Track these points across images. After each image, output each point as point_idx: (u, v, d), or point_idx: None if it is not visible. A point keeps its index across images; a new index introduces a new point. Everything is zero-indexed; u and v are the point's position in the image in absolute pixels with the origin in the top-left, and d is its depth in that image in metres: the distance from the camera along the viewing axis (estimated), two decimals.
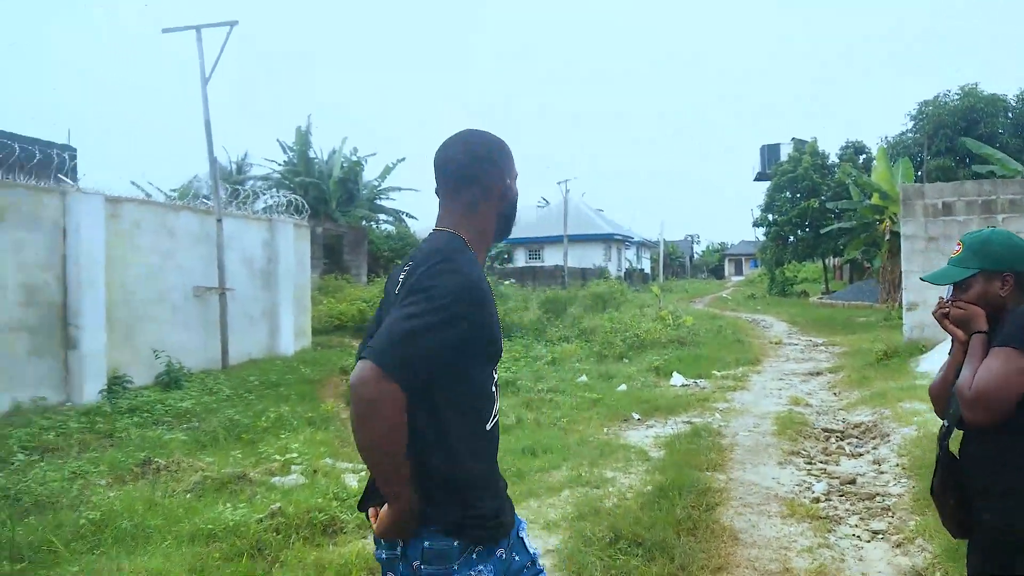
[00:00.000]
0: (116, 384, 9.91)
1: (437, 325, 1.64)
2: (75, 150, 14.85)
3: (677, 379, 10.98)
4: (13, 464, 6.36)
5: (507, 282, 22.89)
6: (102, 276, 10.03)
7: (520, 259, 44.97)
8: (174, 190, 31.86)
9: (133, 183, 30.07)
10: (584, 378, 10.89)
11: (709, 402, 9.30)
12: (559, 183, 36.14)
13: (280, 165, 37.16)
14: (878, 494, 5.46)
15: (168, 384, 10.29)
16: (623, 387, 10.20)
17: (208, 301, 12.25)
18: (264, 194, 27.06)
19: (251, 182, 37.07)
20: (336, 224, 31.38)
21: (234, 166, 39.03)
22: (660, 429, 7.89)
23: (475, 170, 1.89)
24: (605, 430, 7.88)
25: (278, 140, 37.23)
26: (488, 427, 1.84)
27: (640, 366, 12.10)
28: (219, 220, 12.37)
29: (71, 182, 10.21)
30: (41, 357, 9.38)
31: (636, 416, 8.51)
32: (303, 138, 35.68)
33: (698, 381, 10.98)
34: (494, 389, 1.89)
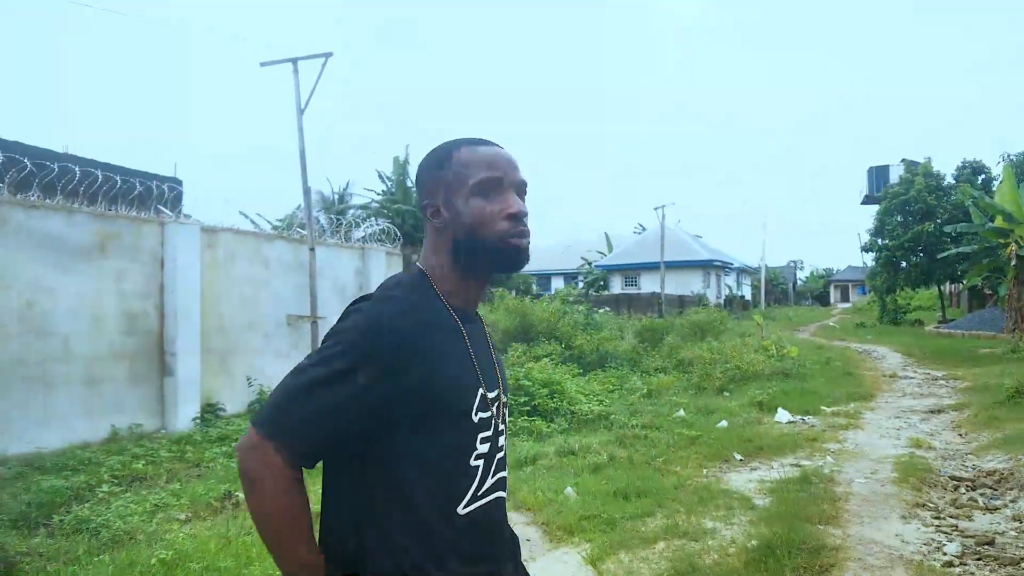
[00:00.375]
0: (209, 411, 9.98)
1: (331, 378, 1.31)
2: (180, 182, 15.32)
3: (782, 415, 10.27)
4: (98, 495, 6.35)
5: (601, 310, 22.38)
6: (197, 305, 10.18)
7: (616, 286, 44.28)
8: (280, 220, 32.93)
9: (242, 213, 31.21)
10: (681, 413, 10.32)
11: (819, 442, 8.60)
12: (656, 209, 35.40)
13: (379, 194, 37.91)
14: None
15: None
16: (724, 423, 9.59)
17: (300, 329, 12.31)
18: (363, 223, 27.55)
19: (352, 211, 38.01)
20: None
21: (336, 196, 40.12)
22: (765, 472, 7.28)
23: (419, 188, 1.55)
24: (704, 471, 7.34)
25: (377, 170, 37.97)
26: (463, 511, 1.40)
27: (742, 400, 11.42)
28: (312, 249, 12.45)
29: (169, 213, 10.44)
30: (139, 384, 9.53)
31: (738, 457, 7.92)
32: (401, 168, 36.29)
33: (806, 418, 10.24)
34: (477, 461, 1.44)
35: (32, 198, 8.73)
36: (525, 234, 1.50)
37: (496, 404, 1.52)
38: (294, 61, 12.84)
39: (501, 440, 1.53)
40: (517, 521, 5.87)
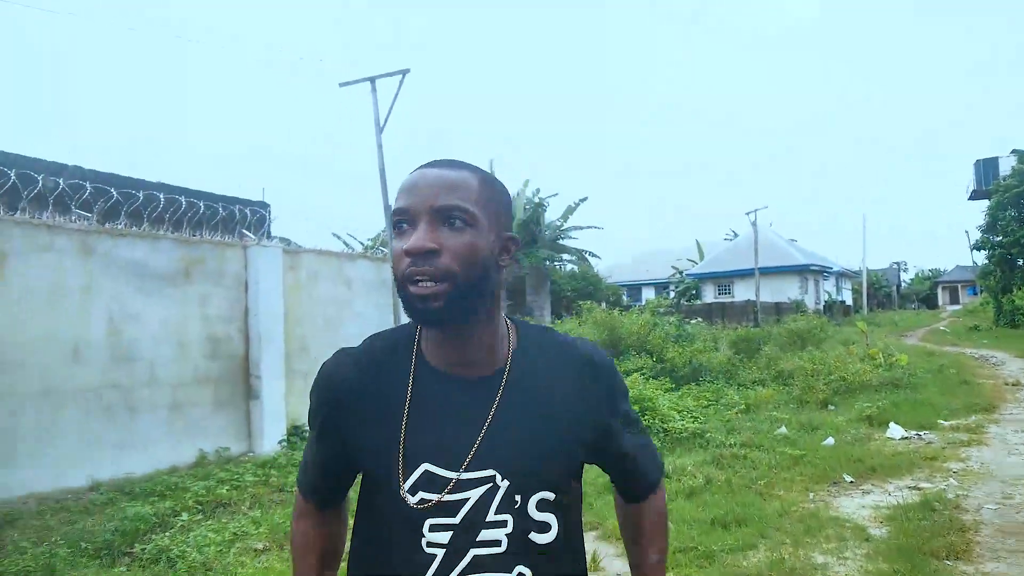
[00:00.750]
0: (295, 434, 9.93)
1: (310, 430, 1.42)
2: (267, 206, 15.55)
3: (895, 431, 9.50)
4: (179, 523, 6.26)
5: (693, 320, 21.66)
6: (281, 327, 10.17)
7: (708, 295, 43.10)
8: (370, 239, 33.39)
9: (334, 235, 31.85)
10: (783, 429, 9.66)
11: (938, 461, 7.85)
12: (747, 213, 34.27)
13: None
14: None
15: None
16: (830, 441, 8.91)
17: None
18: None
19: None
20: (519, 265, 31.52)
21: None
22: (880, 497, 6.64)
23: None
24: (811, 496, 6.74)
25: None
26: None
27: (849, 415, 10.66)
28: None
29: (252, 236, 10.49)
30: (225, 408, 9.55)
31: (848, 478, 7.28)
32: None
33: (922, 433, 9.43)
34: (432, 549, 1.22)
35: (119, 226, 8.87)
36: (423, 276, 1.17)
37: (475, 487, 1.23)
38: (372, 80, 12.86)
39: (489, 533, 1.22)
40: (605, 552, 5.47)
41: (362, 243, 32.25)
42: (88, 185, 8.92)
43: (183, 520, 6.28)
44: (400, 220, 1.21)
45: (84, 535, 5.97)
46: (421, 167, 1.26)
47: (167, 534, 6.01)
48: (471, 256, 1.18)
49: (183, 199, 9.80)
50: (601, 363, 1.38)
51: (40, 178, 8.37)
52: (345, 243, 31.40)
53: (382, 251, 13.43)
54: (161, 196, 9.51)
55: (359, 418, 1.29)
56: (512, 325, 1.39)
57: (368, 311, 12.05)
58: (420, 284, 1.16)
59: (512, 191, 35.33)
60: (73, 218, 8.66)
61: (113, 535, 5.92)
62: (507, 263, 1.29)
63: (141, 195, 9.31)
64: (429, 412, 1.26)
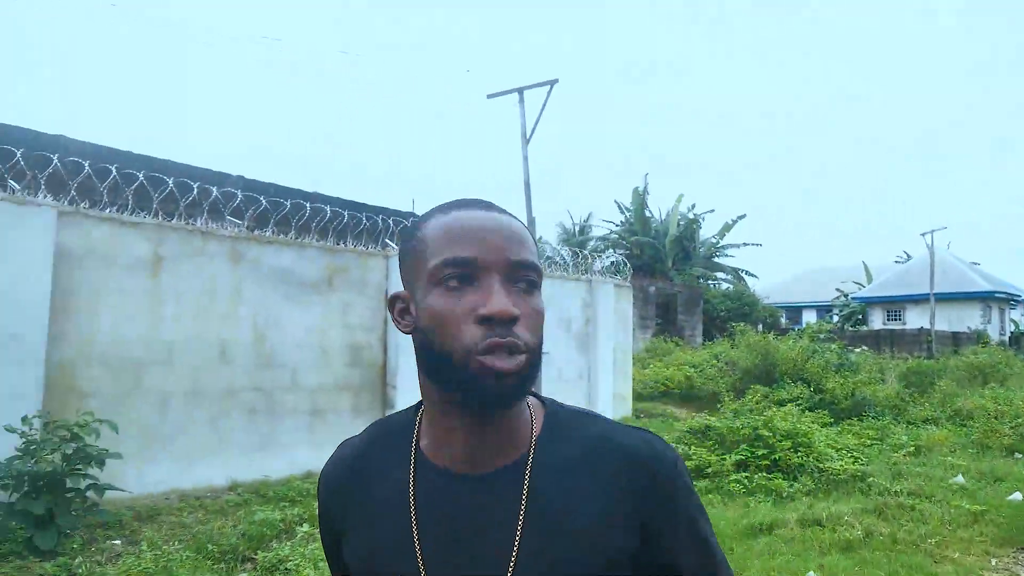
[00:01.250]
0: None
1: None
2: (415, 216, 15.80)
3: None
4: (301, 533, 6.20)
5: (858, 349, 20.10)
6: None
7: (876, 320, 40.26)
8: None
9: None
10: (960, 478, 8.55)
11: None
12: (923, 234, 31.64)
13: (617, 225, 37.59)
14: None
15: None
16: (1017, 496, 7.78)
17: None
18: (601, 255, 27.23)
19: (592, 242, 38.01)
20: (671, 283, 30.64)
21: (577, 227, 40.41)
22: None
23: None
24: (993, 562, 5.83)
25: (615, 201, 37.71)
26: None
27: None
28: None
29: (394, 246, 10.53)
30: (362, 416, 9.58)
31: None
32: (639, 198, 35.71)
33: None
34: None
35: (267, 233, 9.10)
36: (510, 349, 0.93)
37: None
38: (520, 91, 12.71)
39: None
40: None
41: None
42: (239, 193, 9.21)
43: (305, 530, 6.22)
44: (456, 273, 0.96)
45: (212, 537, 6.03)
46: (464, 206, 1.02)
47: (289, 543, 5.96)
48: (541, 326, 1.00)
49: (328, 208, 9.96)
50: (655, 459, 1.05)
51: (195, 185, 8.71)
52: None
53: None
54: (307, 205, 9.71)
55: (359, 522, 1.08)
56: (538, 403, 1.11)
57: None
58: (503, 360, 0.92)
59: (665, 207, 34.52)
60: (225, 225, 8.96)
61: (239, 539, 5.94)
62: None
63: (288, 203, 9.53)
64: (441, 529, 1.02)
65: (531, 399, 1.09)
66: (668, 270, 33.75)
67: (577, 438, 1.06)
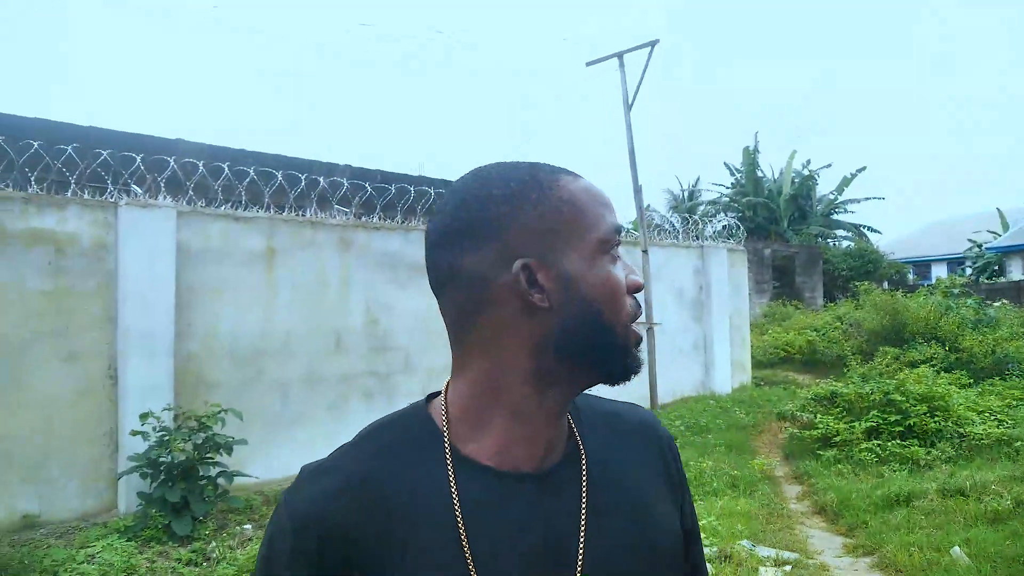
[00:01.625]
0: None
1: None
2: None
3: None
4: None
5: (997, 303, 18.70)
6: None
7: (1016, 271, 37.53)
8: (630, 223, 33.11)
9: None
10: None
11: None
12: None
13: (728, 188, 36.46)
14: None
15: None
16: None
17: None
18: (711, 219, 26.41)
19: (702, 207, 37.03)
20: (787, 244, 29.48)
21: (685, 193, 39.42)
22: None
23: (472, 235, 0.88)
24: None
25: (725, 163, 36.57)
26: None
27: None
28: (645, 251, 11.80)
29: None
30: None
31: None
32: (750, 157, 34.45)
33: None
34: None
35: (374, 220, 9.22)
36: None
37: None
38: (619, 56, 12.34)
39: None
40: None
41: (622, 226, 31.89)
42: (345, 182, 9.36)
43: None
44: (612, 246, 0.91)
45: None
46: (572, 174, 0.94)
47: None
48: None
49: (432, 190, 10.00)
50: (663, 429, 1.09)
51: (303, 177, 8.90)
52: None
53: (634, 234, 12.95)
54: (411, 188, 9.76)
55: (398, 552, 0.85)
56: None
57: None
58: (638, 327, 0.93)
59: (778, 165, 33.19)
60: (333, 214, 9.13)
61: None
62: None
63: (393, 188, 9.61)
64: (498, 538, 0.86)
65: None
66: (784, 231, 32.49)
67: (599, 421, 1.00)
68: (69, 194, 7.08)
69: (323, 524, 0.85)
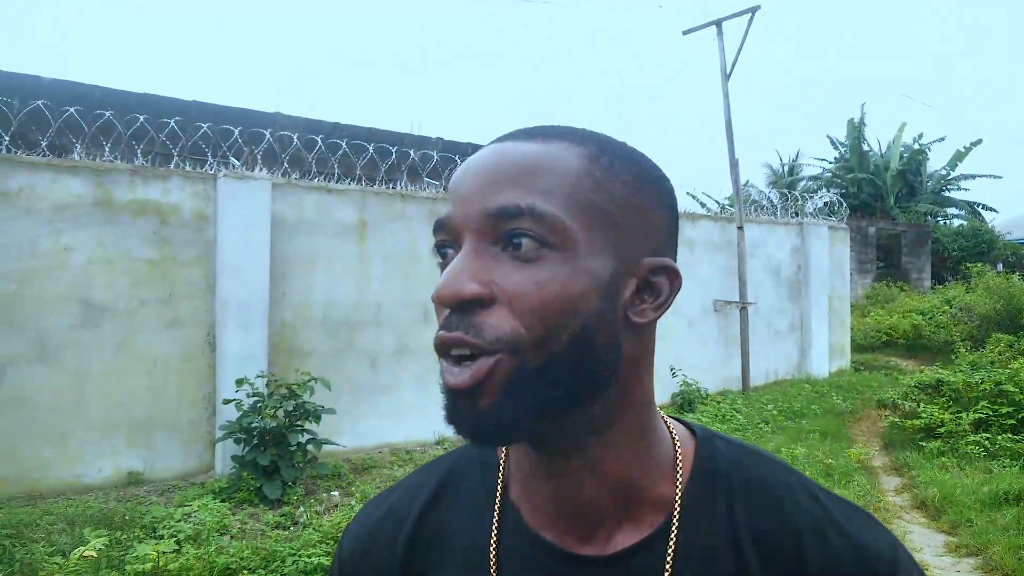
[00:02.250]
0: None
1: None
2: None
3: None
4: None
5: None
6: None
7: None
8: (727, 199, 32.16)
9: (689, 194, 31.19)
10: None
11: None
12: None
13: (831, 163, 35.03)
14: None
15: (682, 406, 9.70)
16: None
17: (729, 316, 11.41)
18: (812, 195, 25.42)
19: (803, 183, 35.72)
20: (893, 222, 28.16)
21: (785, 168, 38.08)
22: None
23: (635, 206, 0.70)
24: None
25: (828, 136, 35.07)
26: None
27: None
28: (740, 228, 11.44)
29: None
30: None
31: None
32: (855, 131, 32.92)
33: None
34: None
35: None
36: (462, 346, 0.65)
37: None
38: (718, 23, 11.94)
39: None
40: None
41: (717, 202, 31.17)
42: (435, 154, 9.38)
43: None
44: (442, 243, 0.70)
45: None
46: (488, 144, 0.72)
47: None
48: (555, 306, 0.64)
49: None
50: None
51: (394, 150, 8.97)
52: (701, 203, 30.55)
53: (729, 209, 12.58)
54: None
55: None
56: (686, 433, 0.80)
57: (711, 274, 11.34)
58: (448, 366, 0.66)
59: (886, 137, 31.71)
60: (423, 186, 9.17)
61: None
62: (649, 316, 0.70)
63: None
64: None
65: (677, 426, 0.79)
66: (890, 208, 31.02)
67: (754, 496, 0.74)
68: (172, 166, 7.32)
69: (356, 558, 0.81)
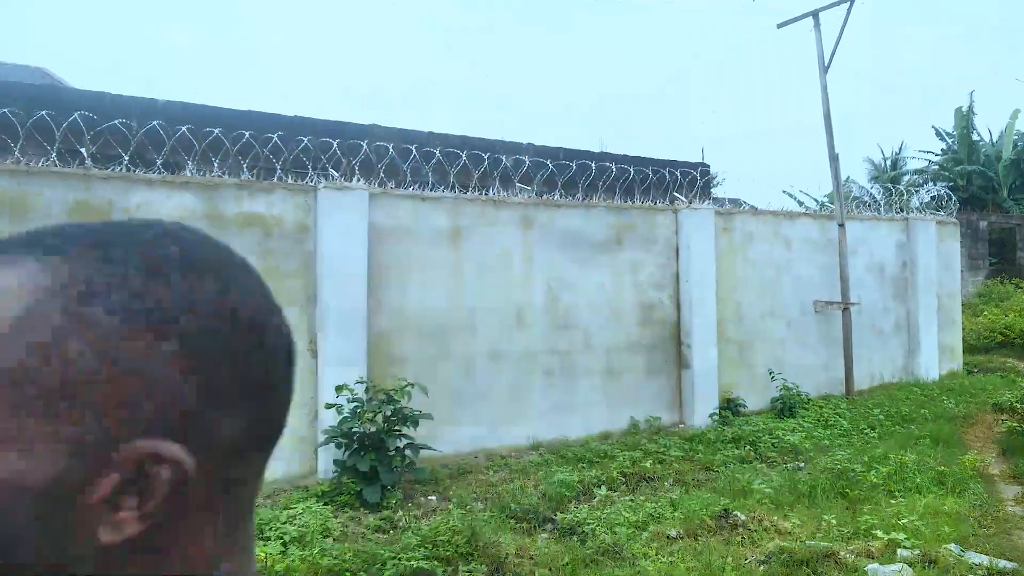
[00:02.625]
0: (728, 407, 9.47)
1: None
2: (707, 167, 15.17)
3: None
4: (595, 498, 6.26)
5: None
6: (712, 293, 9.74)
7: None
8: (826, 196, 31.04)
9: (786, 192, 30.33)
10: None
11: None
12: None
13: (937, 155, 33.43)
14: None
15: (782, 410, 9.44)
16: None
17: (830, 316, 11.04)
18: (918, 190, 24.35)
19: (908, 177, 34.23)
20: (1008, 215, 26.65)
21: (888, 162, 36.58)
22: None
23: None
24: None
25: (934, 127, 33.48)
26: None
27: None
28: (841, 225, 11.06)
29: (683, 199, 10.18)
30: (656, 376, 9.48)
31: None
32: (964, 120, 31.30)
33: None
34: None
35: (555, 197, 9.24)
36: None
37: None
38: (815, 14, 11.58)
39: None
40: None
41: (816, 200, 30.14)
42: (527, 160, 9.44)
43: (602, 493, 6.26)
44: None
45: (515, 496, 6.29)
46: None
47: (587, 505, 6.05)
48: None
49: (613, 166, 9.87)
50: None
51: (486, 156, 9.07)
52: (799, 201, 29.66)
53: (829, 207, 12.18)
54: (592, 164, 9.70)
55: None
56: None
57: (811, 274, 11.01)
58: None
59: (998, 126, 30.05)
60: (515, 192, 9.24)
61: (539, 500, 6.14)
62: (129, 530, 0.49)
63: (574, 165, 9.59)
64: None
65: None
66: (1003, 200, 29.36)
67: None
68: (275, 179, 7.61)
69: None
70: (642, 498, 6.27)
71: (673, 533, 5.43)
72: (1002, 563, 4.88)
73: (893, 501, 5.95)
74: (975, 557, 4.94)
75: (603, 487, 6.47)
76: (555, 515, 5.94)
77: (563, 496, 6.31)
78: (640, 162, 11.86)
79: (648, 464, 7.27)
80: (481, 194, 8.85)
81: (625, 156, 12.25)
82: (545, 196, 9.29)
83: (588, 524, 5.52)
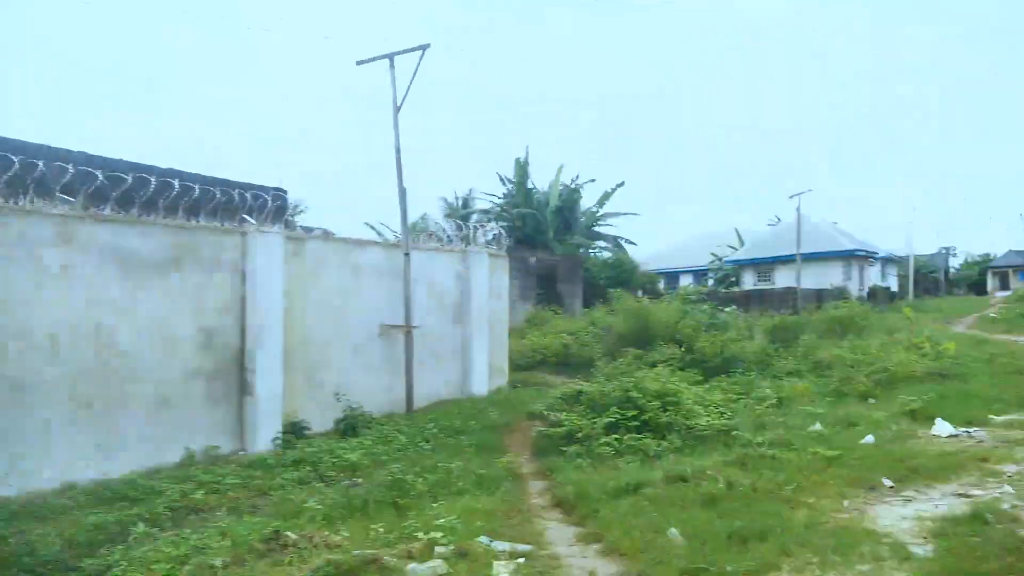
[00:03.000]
0: (292, 431, 9.40)
1: None
2: (284, 191, 15.02)
3: (942, 427, 8.62)
4: (130, 537, 5.72)
5: (728, 309, 20.70)
6: (279, 318, 9.63)
7: (748, 282, 41.87)
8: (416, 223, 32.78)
9: (367, 224, 31.40)
10: (818, 426, 8.84)
11: (990, 463, 7.00)
12: (791, 197, 32.88)
13: (500, 198, 37.46)
14: None
15: (346, 431, 9.64)
16: (869, 439, 8.09)
17: (395, 340, 11.62)
18: (483, 227, 26.94)
19: (475, 215, 37.77)
20: (552, 254, 30.81)
21: (460, 201, 40.02)
22: (923, 505, 5.85)
23: None
24: (845, 503, 5.98)
25: (498, 173, 37.56)
26: None
27: (891, 409, 9.78)
28: (407, 254, 11.74)
29: (252, 221, 9.94)
30: (218, 404, 9.05)
31: (888, 483, 6.50)
32: (521, 169, 35.64)
33: (971, 430, 8.55)
34: None
35: (104, 211, 8.38)
36: None
37: None
38: (390, 57, 12.22)
39: None
40: (604, 572, 4.81)
41: (394, 232, 31.71)
42: (71, 167, 8.42)
43: (140, 531, 5.74)
44: None
45: (32, 547, 5.47)
46: None
47: (121, 547, 5.48)
48: None
49: (176, 183, 9.28)
50: None
51: (17, 159, 7.90)
52: (378, 232, 30.95)
53: (396, 236, 12.87)
54: (152, 179, 9.00)
55: None
56: None
57: (378, 299, 11.48)
58: None
59: (546, 178, 34.53)
60: (54, 202, 8.18)
61: (61, 549, 5.41)
62: None
63: (131, 178, 8.80)
64: None
65: None
66: (550, 241, 33.91)
67: None
68: None
69: None
70: (188, 531, 5.87)
71: (218, 562, 5.15)
72: (521, 547, 5.48)
73: (435, 505, 6.36)
74: (501, 545, 5.47)
75: (141, 525, 5.91)
76: (81, 563, 5.28)
77: (95, 540, 5.65)
78: (209, 181, 11.32)
79: (200, 495, 6.86)
80: (10, 202, 7.68)
81: (195, 175, 11.60)
82: (92, 210, 8.37)
83: (120, 566, 5.00)
